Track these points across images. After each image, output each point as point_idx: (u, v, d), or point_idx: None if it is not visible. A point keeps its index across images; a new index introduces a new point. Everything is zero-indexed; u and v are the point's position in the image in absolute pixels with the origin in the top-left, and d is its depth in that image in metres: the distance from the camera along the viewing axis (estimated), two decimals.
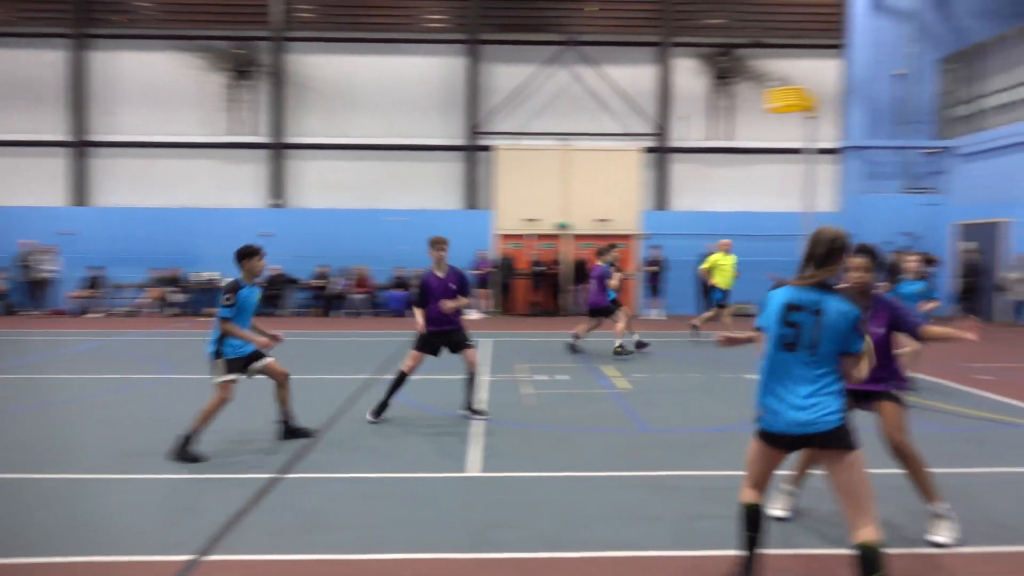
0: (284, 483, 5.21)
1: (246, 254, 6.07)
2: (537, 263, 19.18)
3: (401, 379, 7.25)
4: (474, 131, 20.04)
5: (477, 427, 6.88)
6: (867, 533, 3.15)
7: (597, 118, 20.34)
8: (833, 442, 3.22)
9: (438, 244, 7.32)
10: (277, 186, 20.06)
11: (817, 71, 20.46)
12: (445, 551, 4.04)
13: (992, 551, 4.09)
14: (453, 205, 20.35)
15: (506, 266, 18.99)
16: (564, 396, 8.45)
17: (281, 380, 6.38)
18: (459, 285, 7.33)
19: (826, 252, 3.31)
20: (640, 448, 6.21)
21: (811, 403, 3.23)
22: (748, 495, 3.48)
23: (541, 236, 19.83)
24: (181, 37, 19.67)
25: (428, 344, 7.36)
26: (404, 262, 19.49)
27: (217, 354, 5.91)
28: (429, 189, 20.38)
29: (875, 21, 20.14)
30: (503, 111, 20.24)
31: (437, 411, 7.62)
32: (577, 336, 11.94)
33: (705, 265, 13.66)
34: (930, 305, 8.13)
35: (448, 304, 7.13)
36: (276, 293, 18.85)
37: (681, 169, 20.50)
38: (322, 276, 19.01)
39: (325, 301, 18.94)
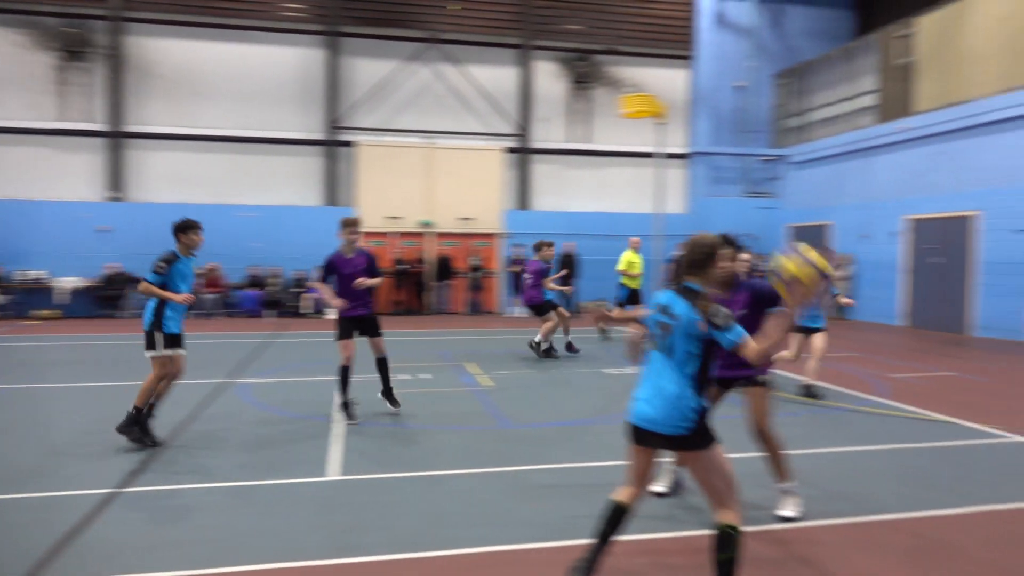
0: (124, 497, 4.83)
1: (184, 227, 6.24)
2: (400, 261, 18.96)
3: (345, 373, 7.03)
4: (334, 126, 19.50)
5: (337, 430, 6.70)
6: (725, 516, 3.32)
7: (460, 117, 20.40)
8: (682, 445, 3.34)
9: (351, 225, 7.19)
10: (116, 178, 18.57)
11: (668, 80, 21.61)
12: (304, 559, 3.90)
13: (832, 523, 4.47)
14: (312, 202, 19.71)
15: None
16: (426, 395, 8.41)
17: (174, 375, 6.23)
18: (368, 266, 7.18)
19: (702, 258, 3.42)
20: (501, 444, 6.29)
21: (661, 403, 3.32)
22: (620, 492, 3.53)
23: (404, 234, 19.64)
24: (3, 11, 17.79)
25: (347, 329, 7.12)
26: (259, 260, 18.70)
27: (157, 326, 5.97)
28: (286, 185, 19.61)
29: (718, 36, 21.56)
30: (365, 106, 19.85)
31: (295, 414, 7.34)
32: (538, 342, 11.13)
33: (620, 265, 13.58)
34: (845, 301, 8.80)
35: (363, 281, 7.02)
36: (116, 293, 17.49)
37: (542, 170, 20.97)
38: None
39: None
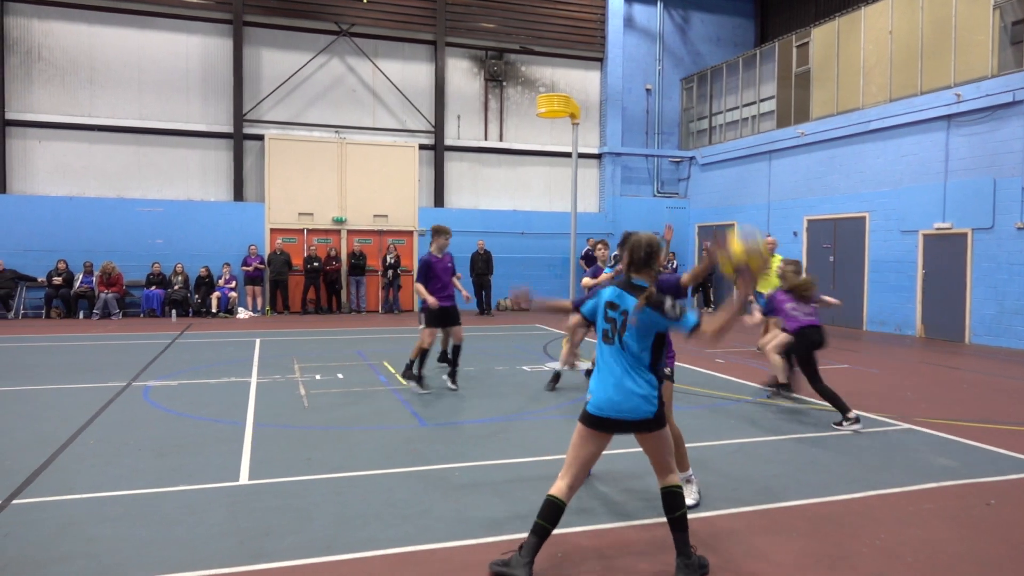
0: (11, 510, 4.51)
1: None
2: (313, 259, 18.50)
3: (425, 354, 8.34)
4: (241, 118, 18.83)
5: (249, 433, 6.48)
6: (671, 479, 3.67)
7: (373, 113, 20.10)
8: (643, 428, 3.59)
9: (445, 233, 8.49)
10: None
11: (581, 80, 21.97)
12: (210, 567, 3.73)
13: (735, 511, 4.65)
14: (219, 196, 18.96)
15: (279, 262, 18.08)
16: (342, 395, 8.24)
17: None
18: (452, 265, 8.60)
19: (645, 257, 3.63)
20: (418, 443, 6.23)
21: (626, 392, 3.52)
22: (557, 487, 3.63)
23: (317, 231, 19.20)
24: None
25: (436, 319, 8.32)
26: (161, 258, 17.87)
27: None
28: (191, 179, 18.80)
29: (628, 39, 22.08)
30: (274, 99, 19.26)
31: (202, 418, 7.05)
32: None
33: None
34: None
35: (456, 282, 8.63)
36: (1, 292, 16.35)
37: (456, 167, 20.92)
38: (61, 273, 16.77)
39: (64, 301, 16.74)
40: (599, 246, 8.91)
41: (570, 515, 4.50)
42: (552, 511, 3.58)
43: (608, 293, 3.65)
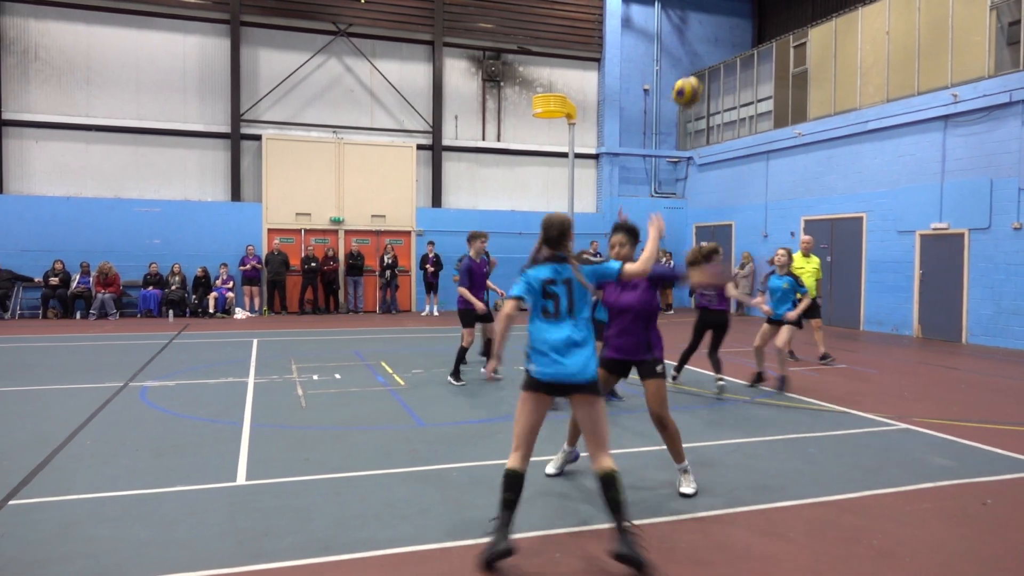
0: (8, 510, 4.50)
1: None
2: (310, 259, 18.48)
3: (464, 352, 8.96)
4: (239, 118, 18.81)
5: (247, 433, 6.47)
6: (607, 462, 3.88)
7: (371, 113, 20.09)
8: (587, 390, 3.94)
9: (482, 237, 9.07)
10: None
11: (579, 81, 21.98)
12: (210, 568, 3.73)
13: (737, 510, 4.66)
14: (216, 196, 18.94)
15: (277, 262, 18.08)
16: (340, 395, 8.24)
17: None
18: (489, 268, 9.34)
19: (558, 234, 4.02)
20: (416, 443, 6.23)
21: (573, 357, 3.90)
22: (513, 460, 3.96)
23: (315, 231, 19.19)
24: None
25: (474, 319, 8.94)
26: (159, 258, 17.86)
27: None
28: (188, 179, 18.78)
29: (626, 39, 22.09)
30: (272, 99, 19.25)
31: (201, 418, 7.04)
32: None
33: None
34: (803, 302, 8.54)
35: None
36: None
37: (454, 167, 20.92)
38: (58, 273, 16.75)
39: (61, 301, 16.72)
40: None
41: (569, 516, 4.51)
42: (516, 483, 3.88)
43: (540, 272, 3.98)
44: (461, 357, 9.05)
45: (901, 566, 3.86)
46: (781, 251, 8.83)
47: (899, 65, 15.36)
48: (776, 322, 8.78)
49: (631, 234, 4.94)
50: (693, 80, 8.66)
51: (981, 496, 4.98)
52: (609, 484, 3.81)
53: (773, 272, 8.92)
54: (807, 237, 11.86)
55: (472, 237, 9.07)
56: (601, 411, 3.96)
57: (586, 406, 3.95)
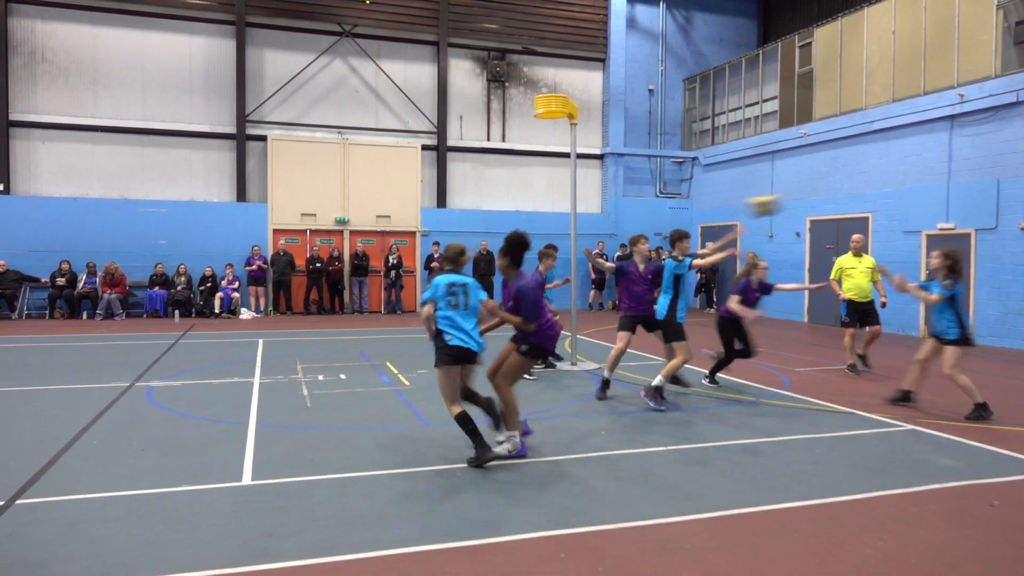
0: (15, 510, 4.52)
1: None
2: (315, 259, 18.51)
3: (619, 358, 8.57)
4: (244, 119, 18.85)
5: (252, 433, 6.49)
6: (460, 408, 5.62)
7: (376, 113, 20.12)
8: (478, 359, 5.67)
9: (643, 240, 8.88)
10: (2, 170, 17.34)
11: (583, 81, 21.97)
12: (214, 567, 3.74)
13: (742, 511, 4.65)
14: (222, 197, 18.99)
15: (282, 263, 18.11)
16: (345, 395, 8.25)
17: None
18: (655, 274, 8.43)
19: (454, 256, 5.76)
20: (421, 443, 6.24)
21: (475, 336, 5.62)
22: (456, 408, 5.59)
23: (320, 232, 19.22)
24: None
25: (631, 324, 8.39)
26: (165, 258, 17.92)
27: None
28: (194, 179, 18.84)
29: (630, 39, 22.07)
30: (277, 100, 19.29)
31: (206, 418, 7.06)
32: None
33: (833, 274, 10.69)
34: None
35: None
36: (4, 292, 16.39)
37: (459, 168, 20.93)
38: (65, 273, 16.81)
39: (68, 302, 16.79)
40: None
41: (572, 515, 4.51)
42: (468, 417, 5.54)
43: (446, 280, 5.62)
44: (614, 363, 9.30)
45: (907, 567, 3.85)
46: (935, 254, 7.58)
47: (905, 65, 15.30)
48: (941, 338, 7.56)
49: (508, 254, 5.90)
50: (771, 201, 8.86)
51: (988, 497, 4.96)
52: (488, 404, 5.77)
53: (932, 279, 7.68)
54: (857, 236, 10.77)
55: (637, 240, 8.70)
56: (474, 371, 5.78)
57: (470, 371, 5.74)
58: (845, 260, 10.50)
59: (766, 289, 9.08)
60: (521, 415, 5.94)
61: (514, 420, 5.82)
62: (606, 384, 8.29)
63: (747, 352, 8.90)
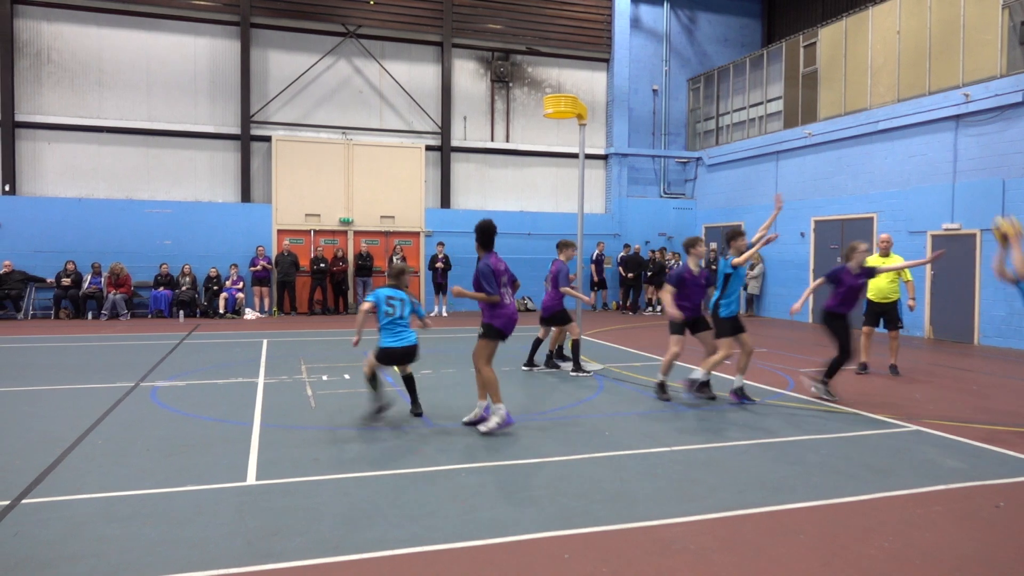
0: (20, 510, 4.54)
1: None
2: (320, 260, 18.53)
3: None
4: (249, 120, 18.89)
5: (256, 433, 6.50)
6: (407, 371, 7.15)
7: (380, 114, 20.14)
8: (415, 357, 6.98)
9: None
10: (8, 170, 17.40)
11: (587, 81, 21.96)
12: (219, 567, 3.75)
13: (746, 512, 4.64)
14: (226, 198, 19.03)
15: (286, 263, 18.15)
16: (349, 395, 8.25)
17: None
18: (707, 279, 8.33)
19: (396, 274, 7.09)
20: (425, 444, 6.24)
21: (406, 336, 6.86)
22: (369, 371, 6.95)
23: (324, 232, 19.24)
24: None
25: (681, 327, 8.36)
26: (169, 259, 17.97)
27: None
28: (199, 180, 18.88)
29: (634, 39, 22.06)
30: (281, 101, 19.33)
31: (210, 418, 7.08)
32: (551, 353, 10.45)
33: None
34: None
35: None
36: (10, 292, 16.45)
37: (463, 168, 20.94)
38: (70, 274, 16.87)
39: (73, 302, 16.84)
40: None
41: (577, 515, 4.50)
42: (375, 377, 7.00)
43: (384, 292, 6.91)
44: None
45: (912, 569, 3.84)
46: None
47: (910, 65, 15.26)
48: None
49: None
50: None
51: (993, 499, 4.94)
52: (409, 380, 7.19)
53: None
54: (886, 236, 10.50)
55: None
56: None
57: (407, 366, 7.14)
58: (873, 261, 10.21)
59: (870, 274, 8.38)
60: (502, 408, 6.61)
61: (497, 394, 6.61)
62: (662, 387, 8.18)
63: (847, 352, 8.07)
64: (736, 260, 7.92)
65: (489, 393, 6.67)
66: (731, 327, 7.90)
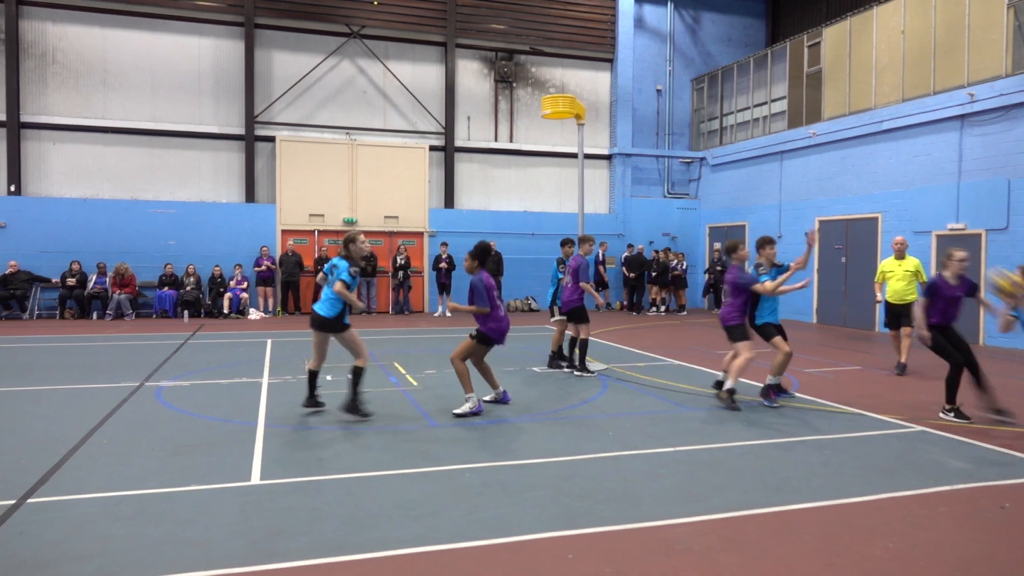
0: (25, 509, 4.55)
1: None
2: (324, 260, 18.55)
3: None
4: (253, 120, 18.93)
5: (260, 433, 6.51)
6: (359, 361, 7.06)
7: (384, 114, 20.16)
8: (334, 328, 7.10)
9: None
10: (13, 171, 17.46)
11: (591, 81, 21.95)
12: (222, 567, 3.76)
13: (749, 513, 4.63)
14: (231, 198, 19.07)
15: (290, 263, 18.18)
16: None
17: None
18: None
19: (345, 242, 7.17)
20: (428, 444, 6.24)
21: (318, 306, 7.09)
22: (313, 364, 7.27)
23: (328, 232, 19.27)
24: None
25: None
26: (174, 259, 18.01)
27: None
28: (203, 180, 18.92)
29: (638, 39, 22.04)
30: (285, 101, 19.36)
31: (214, 418, 7.09)
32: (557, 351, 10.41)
33: (877, 277, 10.76)
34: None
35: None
36: (15, 292, 16.50)
37: (467, 168, 20.95)
38: (75, 274, 16.92)
39: (78, 302, 16.89)
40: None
41: (580, 516, 4.50)
42: (315, 375, 7.32)
43: (332, 262, 7.14)
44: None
45: (916, 569, 3.83)
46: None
47: (915, 64, 15.22)
48: None
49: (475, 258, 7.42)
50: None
51: (998, 499, 4.92)
52: (357, 372, 7.06)
53: None
54: (900, 238, 10.41)
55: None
56: (350, 338, 7.12)
57: (339, 338, 7.19)
58: (887, 264, 10.44)
59: (971, 289, 7.36)
60: (500, 387, 7.79)
61: (469, 384, 7.30)
62: (731, 392, 7.83)
63: (970, 361, 7.31)
64: (764, 289, 7.69)
65: (462, 383, 7.28)
66: (764, 334, 8.05)
